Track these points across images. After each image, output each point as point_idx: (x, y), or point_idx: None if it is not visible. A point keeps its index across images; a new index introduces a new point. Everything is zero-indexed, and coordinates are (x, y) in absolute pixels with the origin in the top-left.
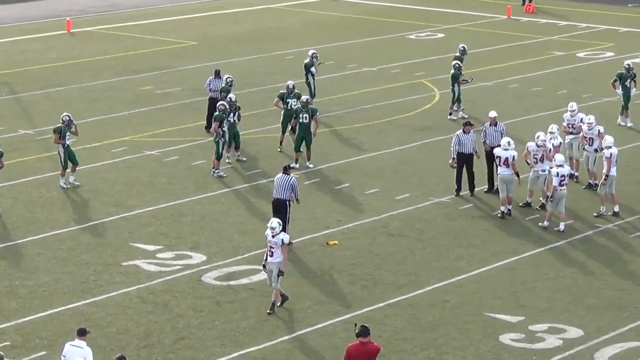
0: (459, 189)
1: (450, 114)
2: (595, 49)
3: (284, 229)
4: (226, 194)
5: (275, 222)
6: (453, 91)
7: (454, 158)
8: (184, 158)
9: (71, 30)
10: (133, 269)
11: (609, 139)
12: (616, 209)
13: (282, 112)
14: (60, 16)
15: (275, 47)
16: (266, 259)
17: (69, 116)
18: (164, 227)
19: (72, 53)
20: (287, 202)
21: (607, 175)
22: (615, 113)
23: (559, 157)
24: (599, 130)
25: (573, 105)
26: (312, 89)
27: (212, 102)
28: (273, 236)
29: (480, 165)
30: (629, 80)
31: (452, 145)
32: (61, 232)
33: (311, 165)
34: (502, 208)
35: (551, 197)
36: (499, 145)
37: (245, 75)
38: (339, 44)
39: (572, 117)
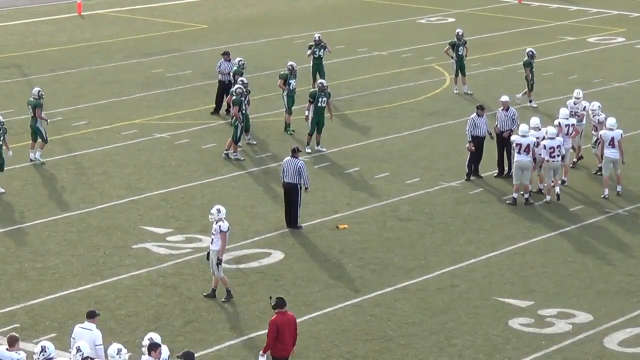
0: (470, 174)
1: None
2: (606, 34)
3: (295, 213)
4: (236, 177)
5: (215, 208)
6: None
7: (470, 141)
8: (194, 141)
9: (82, 13)
10: (143, 251)
11: (610, 121)
12: (618, 188)
13: (284, 93)
14: None
15: (286, 30)
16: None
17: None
18: (174, 210)
19: (83, 36)
20: (298, 186)
21: (601, 157)
22: (626, 98)
23: (550, 130)
24: (605, 117)
25: (579, 92)
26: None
27: (221, 85)
28: (216, 222)
29: (490, 150)
30: None
31: (468, 129)
32: (71, 215)
33: (323, 149)
34: (515, 195)
35: (540, 167)
36: (510, 130)
37: (255, 58)
38: (350, 28)
39: (575, 104)
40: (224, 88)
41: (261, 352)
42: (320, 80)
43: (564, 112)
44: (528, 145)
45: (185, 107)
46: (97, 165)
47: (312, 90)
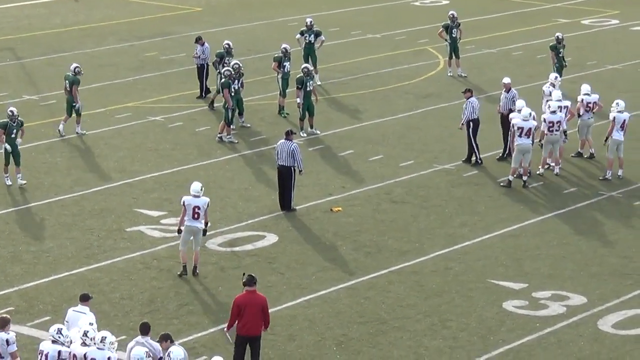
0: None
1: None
2: (601, 17)
3: (289, 196)
4: (230, 160)
5: (199, 185)
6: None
7: (463, 124)
8: (188, 124)
9: None
10: (137, 234)
11: (621, 103)
12: (620, 172)
13: (279, 76)
14: None
15: (280, 13)
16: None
17: (12, 111)
18: (168, 193)
19: (77, 19)
20: (292, 169)
21: (606, 137)
22: (620, 81)
23: (552, 104)
24: (595, 102)
25: (558, 77)
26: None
27: (200, 70)
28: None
29: (485, 133)
30: None
31: (466, 112)
32: (65, 198)
33: (317, 132)
34: (511, 177)
35: (540, 141)
36: (511, 111)
37: (249, 41)
38: (343, 10)
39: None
40: (201, 72)
41: (225, 327)
42: (304, 65)
43: (585, 87)
44: (530, 129)
45: (179, 90)
46: (91, 148)
47: (298, 76)
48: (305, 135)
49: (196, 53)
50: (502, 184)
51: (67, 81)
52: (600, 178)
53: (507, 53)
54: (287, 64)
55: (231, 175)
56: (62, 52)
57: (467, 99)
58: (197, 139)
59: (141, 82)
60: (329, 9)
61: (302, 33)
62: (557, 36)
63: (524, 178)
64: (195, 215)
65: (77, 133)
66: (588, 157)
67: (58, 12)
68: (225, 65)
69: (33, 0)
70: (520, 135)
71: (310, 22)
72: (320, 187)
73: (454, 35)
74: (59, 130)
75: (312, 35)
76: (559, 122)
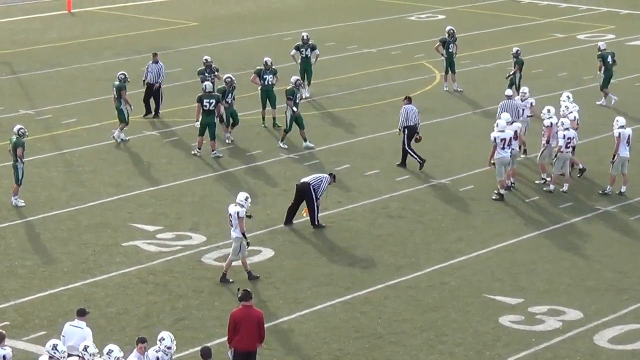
0: (423, 162)
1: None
2: (596, 31)
3: (313, 212)
4: (226, 175)
5: (245, 195)
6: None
7: (400, 130)
8: (184, 139)
9: (72, 10)
10: (133, 249)
11: (620, 120)
12: (623, 189)
13: (258, 88)
14: None
15: (276, 28)
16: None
17: (24, 128)
18: (164, 208)
19: (73, 33)
20: (311, 187)
21: (614, 155)
22: (616, 96)
23: (565, 121)
24: (531, 103)
25: (525, 89)
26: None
27: (149, 87)
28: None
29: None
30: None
31: (401, 118)
32: (61, 213)
33: (312, 145)
34: (502, 191)
35: (554, 157)
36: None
37: (245, 56)
38: (340, 25)
39: (522, 101)
40: (150, 90)
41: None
42: (294, 77)
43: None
44: (510, 139)
45: (175, 105)
46: (86, 163)
47: (289, 88)
48: (285, 146)
49: (148, 69)
50: (494, 197)
51: (114, 88)
52: (600, 192)
53: (503, 68)
54: (268, 76)
55: (227, 190)
56: (59, 66)
57: (404, 105)
58: (198, 156)
59: (137, 96)
60: (325, 24)
61: (297, 48)
62: (600, 45)
63: (511, 181)
64: (234, 224)
65: (121, 139)
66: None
67: (54, 26)
68: (208, 80)
69: (30, 15)
70: (503, 148)
71: (307, 36)
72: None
73: (450, 50)
74: (113, 137)
75: (309, 50)
76: (573, 137)
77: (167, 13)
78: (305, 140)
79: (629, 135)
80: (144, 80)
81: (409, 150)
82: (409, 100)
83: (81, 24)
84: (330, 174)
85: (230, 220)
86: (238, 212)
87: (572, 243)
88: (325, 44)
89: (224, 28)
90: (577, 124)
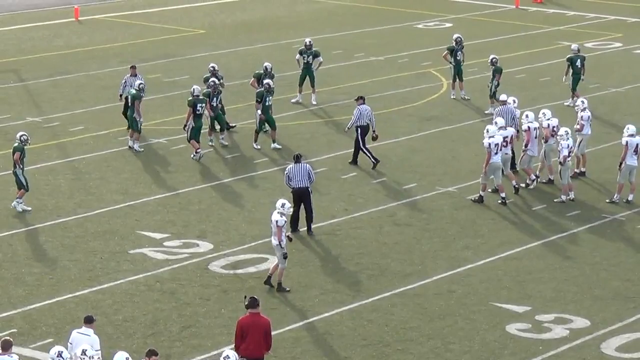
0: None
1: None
2: (603, 39)
3: (309, 217)
4: (233, 183)
5: (282, 202)
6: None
7: (349, 128)
8: (191, 146)
9: (79, 18)
10: (140, 256)
11: (631, 128)
12: (630, 197)
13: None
14: (68, 4)
15: (283, 35)
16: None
17: (26, 135)
18: (171, 215)
19: (80, 41)
20: (308, 190)
21: (620, 163)
22: (623, 104)
23: (563, 129)
24: (549, 125)
25: (511, 99)
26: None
27: (127, 100)
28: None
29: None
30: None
31: (354, 118)
32: (68, 220)
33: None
34: (503, 194)
35: (562, 164)
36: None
37: (252, 63)
38: (347, 33)
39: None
40: (127, 104)
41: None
42: (266, 81)
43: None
44: (501, 144)
45: (182, 113)
46: (94, 170)
47: (258, 90)
48: (259, 147)
49: (124, 81)
50: (473, 198)
51: (129, 96)
52: (608, 201)
53: (510, 76)
54: (268, 81)
55: (234, 198)
56: (66, 73)
57: (358, 105)
58: (200, 161)
59: (144, 104)
60: (332, 32)
61: (300, 53)
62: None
63: (484, 193)
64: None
65: (136, 149)
66: (546, 182)
67: (61, 34)
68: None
69: (36, 22)
70: (496, 153)
71: (310, 42)
72: (323, 209)
73: (458, 58)
74: (129, 146)
75: (311, 56)
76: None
77: (174, 21)
78: (273, 141)
79: (637, 145)
80: (120, 95)
81: (363, 149)
82: (362, 100)
83: (88, 32)
84: (295, 158)
85: (272, 228)
86: (277, 221)
87: (579, 251)
88: (333, 52)
89: (231, 36)
90: (554, 131)
